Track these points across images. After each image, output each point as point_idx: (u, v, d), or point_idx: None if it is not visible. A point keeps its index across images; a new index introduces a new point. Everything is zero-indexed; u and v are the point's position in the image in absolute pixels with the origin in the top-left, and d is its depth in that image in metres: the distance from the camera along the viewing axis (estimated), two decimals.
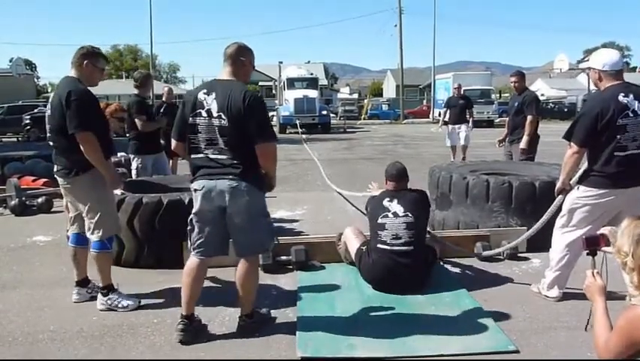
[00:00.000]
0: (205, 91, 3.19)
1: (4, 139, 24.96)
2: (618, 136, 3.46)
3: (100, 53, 3.91)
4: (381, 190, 4.34)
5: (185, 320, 3.28)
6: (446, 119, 11.23)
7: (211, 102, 3.13)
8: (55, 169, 3.83)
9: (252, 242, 3.27)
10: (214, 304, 3.74)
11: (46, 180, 8.04)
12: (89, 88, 3.72)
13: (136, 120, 6.03)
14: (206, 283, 3.86)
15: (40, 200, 7.23)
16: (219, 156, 3.14)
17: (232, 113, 3.08)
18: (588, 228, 3.52)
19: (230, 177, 3.12)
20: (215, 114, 3.12)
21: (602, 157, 3.51)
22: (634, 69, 61.58)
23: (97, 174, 3.67)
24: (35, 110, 23.81)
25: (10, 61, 38.09)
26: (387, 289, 3.95)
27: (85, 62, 3.73)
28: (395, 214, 4.00)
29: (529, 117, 6.86)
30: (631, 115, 3.45)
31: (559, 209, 3.87)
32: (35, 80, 56.58)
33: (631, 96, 3.48)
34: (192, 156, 3.24)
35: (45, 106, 21.33)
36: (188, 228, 3.30)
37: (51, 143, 3.78)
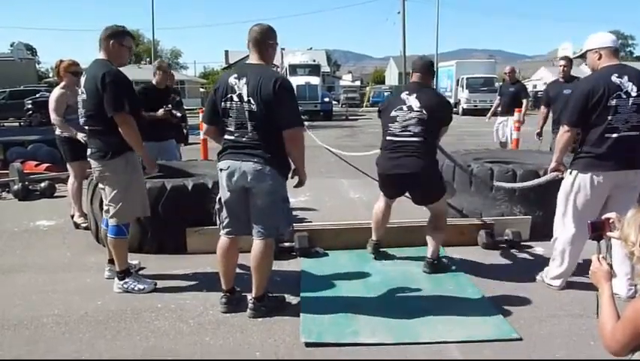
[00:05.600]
0: (236, 75, 3.26)
1: (6, 124, 24.93)
2: (609, 117, 3.38)
3: (125, 31, 3.82)
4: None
5: (227, 294, 3.51)
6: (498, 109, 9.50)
7: (242, 87, 3.21)
8: (89, 152, 3.81)
9: (270, 225, 3.32)
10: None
11: (48, 164, 8.07)
12: (119, 69, 3.69)
13: None
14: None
15: (43, 185, 7.24)
16: (248, 140, 3.24)
17: (262, 98, 3.16)
18: (586, 213, 3.47)
19: (256, 160, 3.21)
20: (245, 99, 3.19)
21: (592, 138, 3.47)
22: (638, 59, 61.14)
23: (130, 158, 3.72)
24: (37, 95, 23.78)
25: (11, 45, 37.92)
26: (393, 187, 4.12)
27: (111, 42, 3.70)
28: (410, 108, 3.92)
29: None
30: (623, 96, 3.37)
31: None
32: (36, 64, 56.38)
33: (625, 77, 3.39)
34: (225, 137, 3.36)
35: (48, 91, 21.27)
36: (217, 207, 3.44)
37: (87, 127, 3.78)
